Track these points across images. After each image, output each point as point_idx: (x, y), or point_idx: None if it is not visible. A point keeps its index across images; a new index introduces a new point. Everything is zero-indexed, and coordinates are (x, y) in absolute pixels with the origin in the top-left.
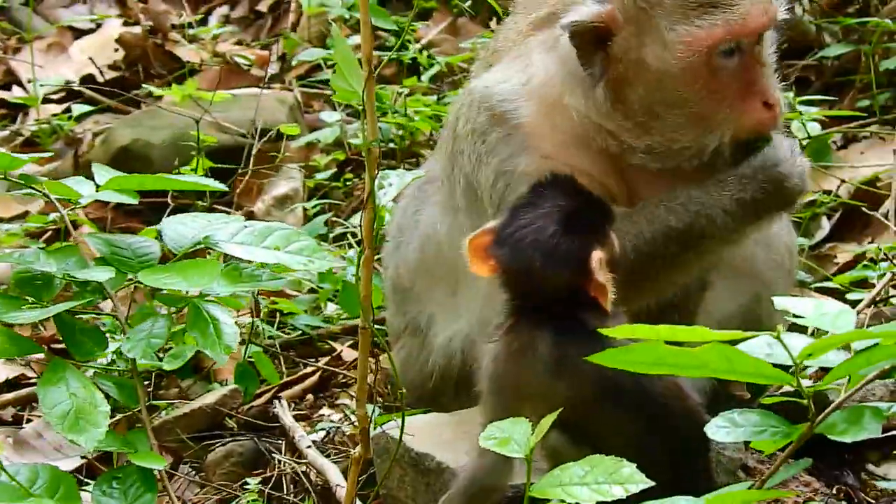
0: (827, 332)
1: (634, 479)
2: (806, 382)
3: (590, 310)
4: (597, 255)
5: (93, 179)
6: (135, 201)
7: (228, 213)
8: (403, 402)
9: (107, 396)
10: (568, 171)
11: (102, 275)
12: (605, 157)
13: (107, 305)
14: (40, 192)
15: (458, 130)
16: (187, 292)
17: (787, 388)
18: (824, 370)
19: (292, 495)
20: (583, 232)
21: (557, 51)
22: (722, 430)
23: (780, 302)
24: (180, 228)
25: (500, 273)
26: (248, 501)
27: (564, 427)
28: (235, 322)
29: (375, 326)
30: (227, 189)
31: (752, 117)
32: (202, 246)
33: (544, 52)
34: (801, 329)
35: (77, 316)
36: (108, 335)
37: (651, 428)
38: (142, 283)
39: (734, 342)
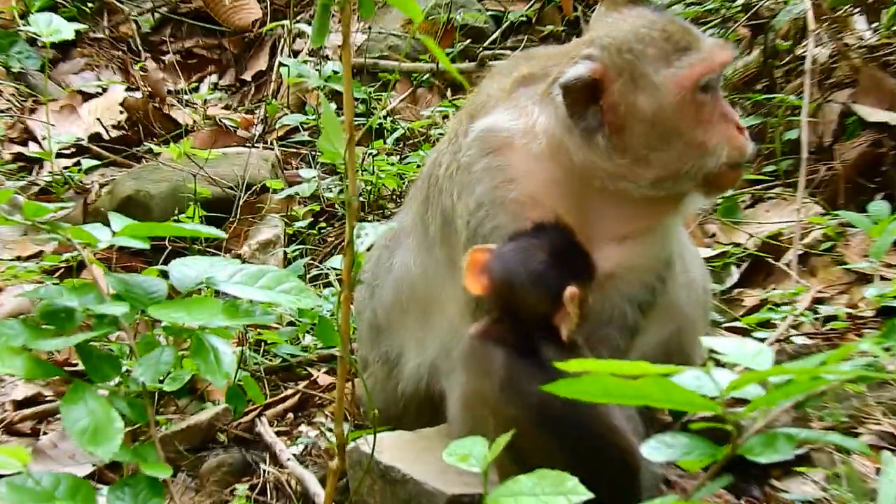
0: (744, 367)
1: (577, 492)
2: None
3: (548, 339)
4: (571, 290)
5: (105, 225)
6: (146, 246)
7: (218, 255)
8: (375, 421)
9: (121, 415)
10: (549, 208)
11: (119, 309)
12: (588, 198)
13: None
14: (64, 236)
15: (438, 173)
16: (185, 325)
17: (707, 413)
18: (737, 399)
19: (275, 500)
20: (567, 268)
21: (550, 104)
22: (656, 450)
23: (707, 341)
24: (185, 270)
25: (489, 285)
26: None
27: (508, 445)
28: None
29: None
30: (225, 236)
31: (735, 140)
32: (204, 285)
33: (536, 104)
34: (718, 363)
35: (92, 344)
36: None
37: (585, 460)
38: (150, 317)
39: (668, 375)
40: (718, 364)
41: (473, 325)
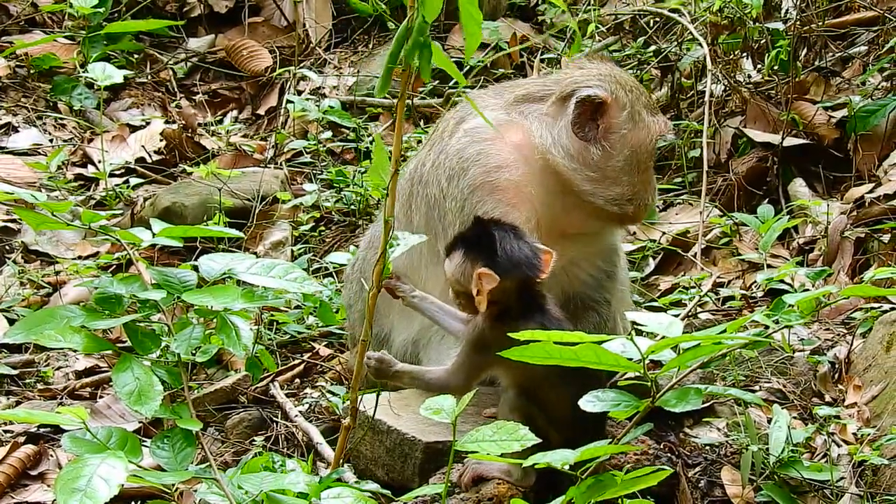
0: (660, 335)
1: (528, 438)
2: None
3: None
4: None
5: (149, 229)
6: (180, 245)
7: (238, 252)
8: (380, 386)
9: (160, 381)
10: (531, 198)
11: (158, 295)
12: (561, 198)
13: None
14: (114, 237)
15: (423, 170)
16: (212, 307)
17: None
18: (655, 362)
19: (286, 449)
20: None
21: (551, 116)
22: (591, 402)
23: (631, 315)
24: (211, 264)
25: (500, 284)
26: (256, 453)
27: (522, 389)
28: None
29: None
30: (244, 237)
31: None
32: (227, 276)
33: (535, 116)
34: (639, 332)
35: (137, 324)
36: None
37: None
38: (184, 301)
39: (600, 342)
40: (640, 333)
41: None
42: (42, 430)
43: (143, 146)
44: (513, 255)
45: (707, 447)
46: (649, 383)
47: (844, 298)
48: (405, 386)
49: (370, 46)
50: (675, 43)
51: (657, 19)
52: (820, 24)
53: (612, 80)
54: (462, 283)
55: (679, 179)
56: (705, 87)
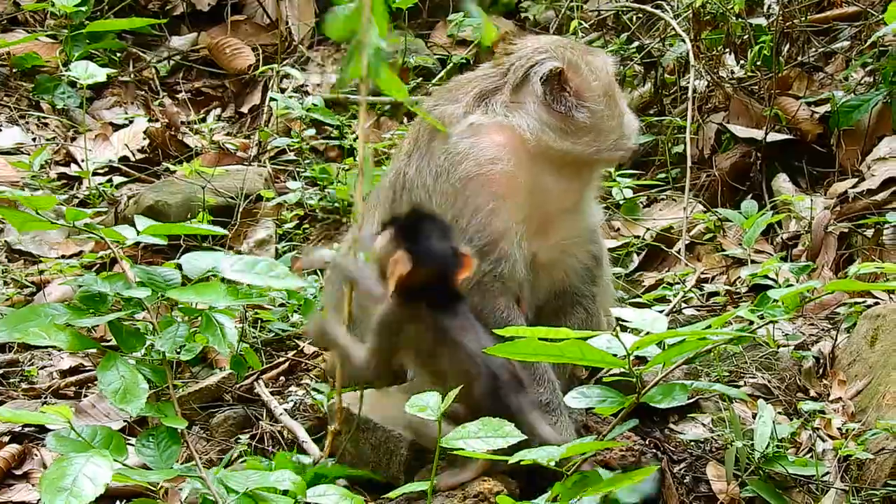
0: (645, 331)
1: (513, 434)
2: None
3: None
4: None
5: (133, 227)
6: (164, 243)
7: (222, 251)
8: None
9: (145, 379)
10: (522, 186)
11: (142, 293)
12: (546, 177)
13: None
14: (98, 235)
15: (406, 179)
16: (196, 305)
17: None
18: (640, 358)
19: (272, 447)
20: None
21: (521, 104)
22: (576, 399)
23: (616, 312)
24: (195, 261)
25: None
26: (241, 452)
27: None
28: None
29: None
30: (227, 234)
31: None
32: (211, 273)
33: (506, 109)
34: (624, 328)
35: (122, 322)
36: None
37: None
38: (168, 299)
39: (585, 339)
40: (625, 330)
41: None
42: (26, 429)
43: (126, 145)
44: (431, 250)
45: (692, 443)
46: (634, 379)
47: (829, 293)
48: (337, 358)
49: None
50: (659, 39)
51: (640, 15)
52: (802, 19)
53: (550, 47)
54: (382, 261)
55: (663, 175)
56: (688, 82)
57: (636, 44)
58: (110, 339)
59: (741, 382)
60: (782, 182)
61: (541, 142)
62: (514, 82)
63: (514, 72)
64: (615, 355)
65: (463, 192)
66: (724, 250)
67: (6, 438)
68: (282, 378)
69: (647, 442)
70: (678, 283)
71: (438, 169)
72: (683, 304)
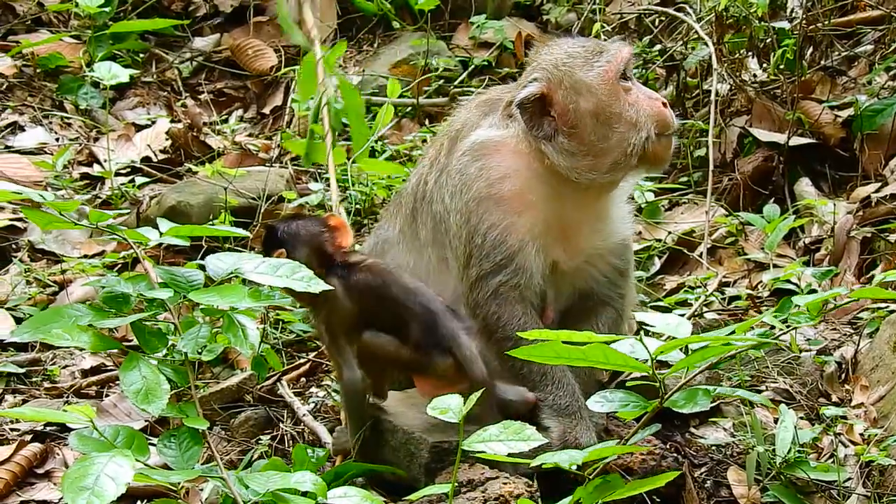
0: (668, 336)
1: (534, 438)
2: None
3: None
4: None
5: (155, 228)
6: (186, 244)
7: (244, 252)
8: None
9: (167, 380)
10: (534, 203)
11: (164, 294)
12: (562, 190)
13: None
14: (121, 237)
15: (426, 188)
16: (218, 306)
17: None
18: (662, 362)
19: (292, 448)
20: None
21: (516, 120)
22: (598, 403)
23: (639, 315)
24: (218, 263)
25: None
26: (261, 452)
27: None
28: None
29: None
30: (249, 235)
31: (660, 114)
32: (233, 275)
33: (509, 121)
34: (647, 333)
35: (144, 322)
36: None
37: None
38: (190, 300)
39: (609, 343)
40: (647, 333)
41: None
42: (48, 428)
43: (148, 145)
44: (289, 229)
45: (713, 447)
46: (657, 384)
47: (854, 300)
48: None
49: (375, 45)
50: (681, 42)
51: (662, 18)
52: (826, 23)
53: (543, 66)
54: None
55: (685, 179)
56: (711, 86)
57: (658, 47)
58: (132, 340)
59: (763, 387)
60: (805, 186)
61: (545, 159)
62: (509, 98)
63: (513, 91)
64: (638, 359)
65: (476, 211)
66: (745, 254)
67: (28, 437)
68: (302, 379)
69: (667, 446)
70: (700, 287)
71: (453, 189)
72: (705, 308)
